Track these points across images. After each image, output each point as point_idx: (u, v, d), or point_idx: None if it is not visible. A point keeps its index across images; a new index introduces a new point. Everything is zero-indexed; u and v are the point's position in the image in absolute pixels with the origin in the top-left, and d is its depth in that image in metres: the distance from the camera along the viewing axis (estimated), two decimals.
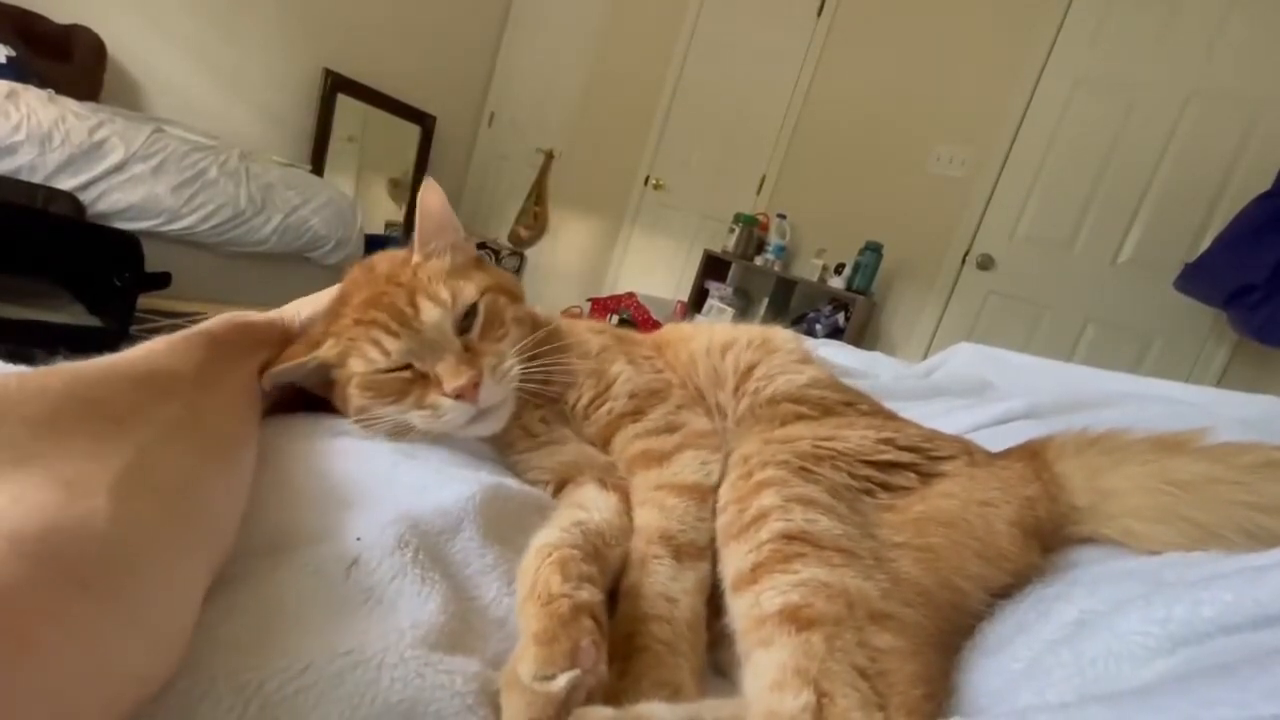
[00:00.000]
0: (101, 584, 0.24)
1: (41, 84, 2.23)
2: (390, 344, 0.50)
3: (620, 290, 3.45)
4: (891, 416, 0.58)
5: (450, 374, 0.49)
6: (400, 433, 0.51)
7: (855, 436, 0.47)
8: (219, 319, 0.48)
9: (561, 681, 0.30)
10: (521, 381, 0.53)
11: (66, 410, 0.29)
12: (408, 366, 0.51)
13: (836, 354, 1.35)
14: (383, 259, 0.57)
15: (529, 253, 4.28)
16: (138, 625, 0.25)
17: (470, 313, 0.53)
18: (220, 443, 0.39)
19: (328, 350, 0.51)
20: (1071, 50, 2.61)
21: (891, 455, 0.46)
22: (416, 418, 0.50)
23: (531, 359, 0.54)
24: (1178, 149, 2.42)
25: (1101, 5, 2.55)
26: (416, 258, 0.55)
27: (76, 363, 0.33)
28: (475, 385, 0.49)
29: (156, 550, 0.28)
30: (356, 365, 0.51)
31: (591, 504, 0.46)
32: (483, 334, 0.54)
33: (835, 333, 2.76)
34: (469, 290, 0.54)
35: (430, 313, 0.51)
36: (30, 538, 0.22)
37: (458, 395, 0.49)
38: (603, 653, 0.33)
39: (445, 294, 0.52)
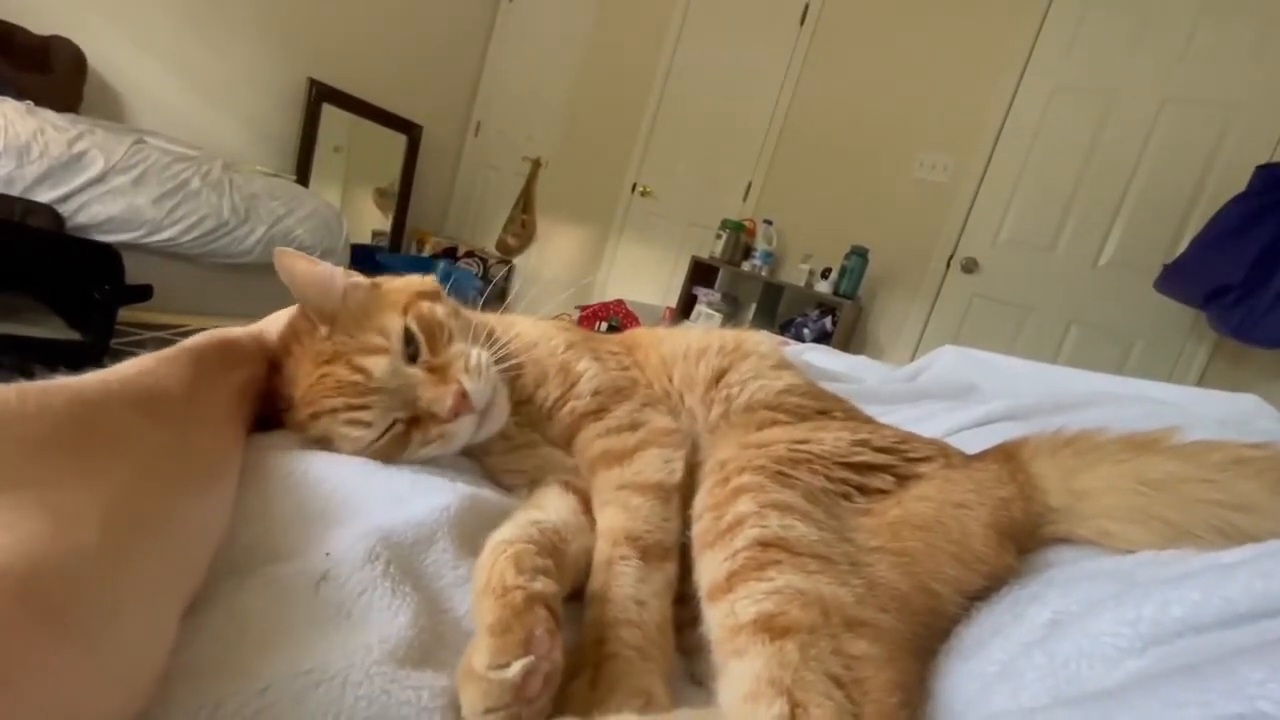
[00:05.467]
0: (84, 625, 0.23)
1: (20, 96, 2.21)
2: (367, 415, 0.48)
3: (609, 297, 3.45)
4: (868, 420, 0.58)
5: (437, 403, 0.48)
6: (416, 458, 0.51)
7: (830, 439, 0.47)
8: (200, 336, 0.47)
9: (515, 669, 0.30)
10: (497, 364, 0.53)
11: (65, 432, 0.29)
12: (393, 423, 0.49)
13: (823, 358, 1.35)
14: (297, 332, 0.53)
15: (517, 261, 4.27)
16: (115, 667, 0.25)
17: (408, 339, 0.51)
18: (207, 469, 0.39)
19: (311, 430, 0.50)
20: (1049, 58, 2.65)
21: (867, 457, 0.46)
22: (432, 450, 0.50)
23: (489, 341, 0.54)
24: (1154, 153, 2.46)
25: (1076, 14, 2.60)
26: (324, 329, 0.51)
27: (75, 380, 0.32)
28: (463, 394, 0.48)
29: (140, 588, 0.27)
30: (346, 446, 0.49)
31: (550, 504, 0.46)
32: (432, 348, 0.52)
33: (822, 337, 2.77)
34: (393, 320, 0.51)
35: (378, 366, 0.49)
36: (15, 574, 0.21)
37: (455, 414, 0.48)
38: (557, 641, 0.33)
39: (378, 339, 0.50)
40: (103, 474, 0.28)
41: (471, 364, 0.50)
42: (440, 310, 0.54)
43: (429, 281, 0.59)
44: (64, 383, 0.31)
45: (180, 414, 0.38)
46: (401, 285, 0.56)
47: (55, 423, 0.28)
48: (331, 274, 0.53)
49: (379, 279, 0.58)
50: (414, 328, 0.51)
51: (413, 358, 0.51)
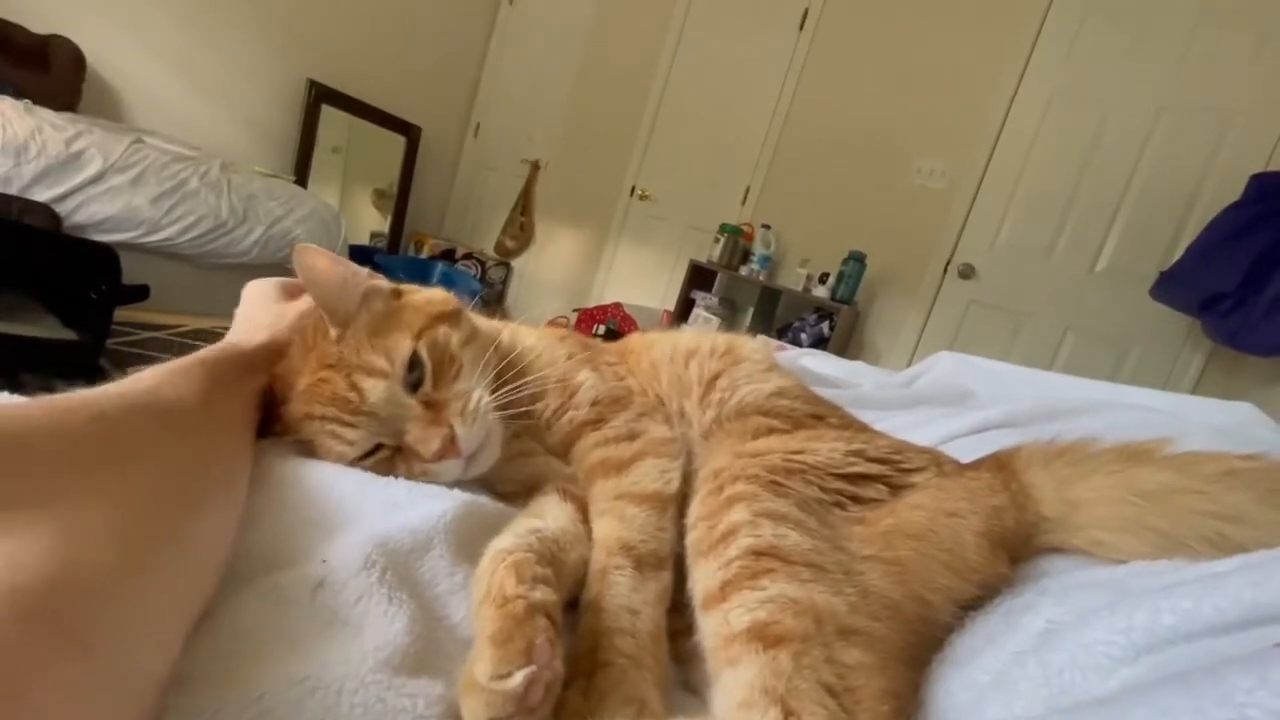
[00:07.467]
0: (97, 644, 0.23)
1: (18, 94, 2.21)
2: (351, 434, 0.47)
3: (607, 300, 3.45)
4: (863, 428, 0.58)
5: (422, 443, 0.47)
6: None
7: (825, 449, 0.47)
8: (216, 347, 0.47)
9: (518, 678, 0.30)
10: (498, 408, 0.51)
11: (86, 449, 0.29)
12: (380, 446, 0.48)
13: (819, 363, 1.36)
14: (309, 328, 0.52)
15: (515, 263, 4.28)
16: (127, 684, 0.25)
17: (414, 363, 0.49)
18: (220, 483, 0.39)
19: (303, 430, 0.49)
20: (1047, 65, 2.67)
21: (861, 467, 0.46)
22: (417, 480, 0.49)
23: (498, 379, 0.52)
24: (1151, 160, 2.47)
25: (1075, 22, 2.61)
26: (334, 331, 0.49)
27: (95, 393, 0.33)
28: (452, 440, 0.47)
29: (154, 605, 0.28)
30: (328, 457, 0.48)
31: (548, 513, 0.46)
32: (436, 381, 0.50)
33: (820, 342, 2.78)
34: (403, 344, 0.49)
35: (374, 390, 0.47)
36: (33, 593, 0.22)
37: (439, 458, 0.47)
38: (558, 650, 0.33)
39: (381, 362, 0.48)
40: (120, 491, 0.29)
41: (469, 407, 0.49)
42: (455, 339, 0.52)
43: (451, 301, 0.56)
44: (85, 397, 0.31)
45: (196, 427, 0.39)
46: (421, 303, 0.54)
47: (76, 439, 0.29)
48: (353, 275, 0.51)
49: (401, 287, 0.56)
50: (423, 355, 0.49)
51: (415, 385, 0.49)
